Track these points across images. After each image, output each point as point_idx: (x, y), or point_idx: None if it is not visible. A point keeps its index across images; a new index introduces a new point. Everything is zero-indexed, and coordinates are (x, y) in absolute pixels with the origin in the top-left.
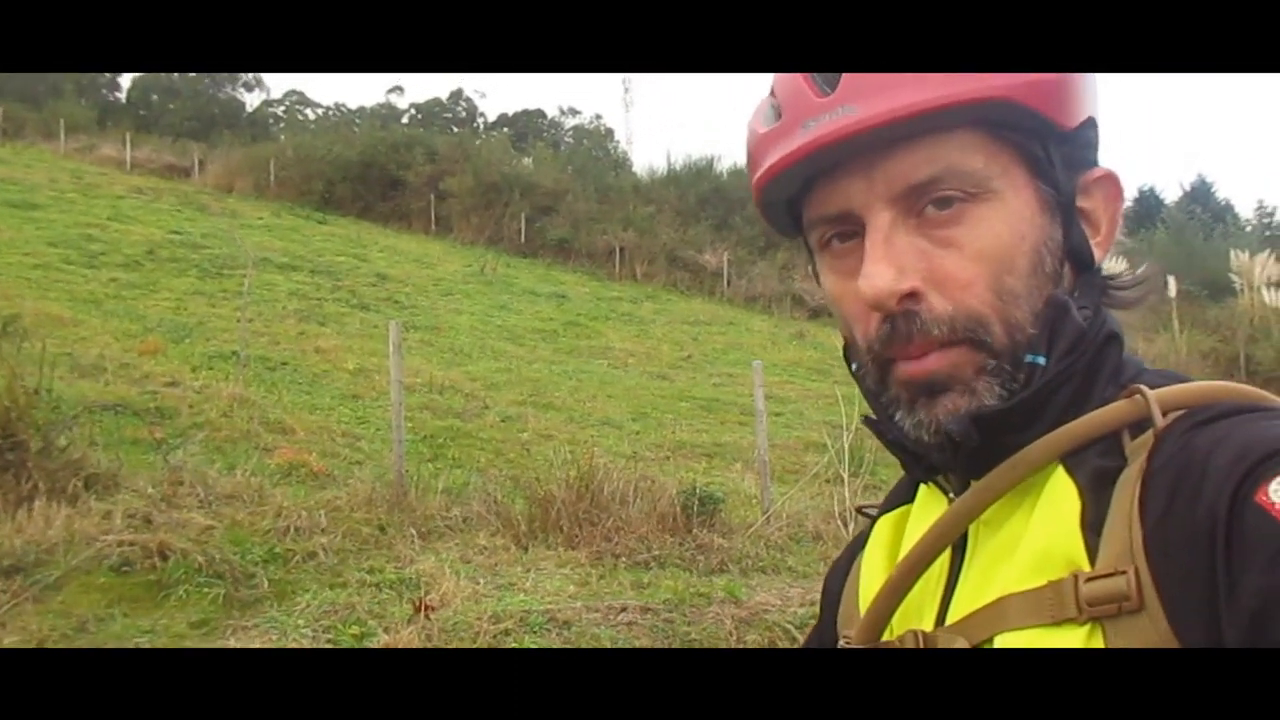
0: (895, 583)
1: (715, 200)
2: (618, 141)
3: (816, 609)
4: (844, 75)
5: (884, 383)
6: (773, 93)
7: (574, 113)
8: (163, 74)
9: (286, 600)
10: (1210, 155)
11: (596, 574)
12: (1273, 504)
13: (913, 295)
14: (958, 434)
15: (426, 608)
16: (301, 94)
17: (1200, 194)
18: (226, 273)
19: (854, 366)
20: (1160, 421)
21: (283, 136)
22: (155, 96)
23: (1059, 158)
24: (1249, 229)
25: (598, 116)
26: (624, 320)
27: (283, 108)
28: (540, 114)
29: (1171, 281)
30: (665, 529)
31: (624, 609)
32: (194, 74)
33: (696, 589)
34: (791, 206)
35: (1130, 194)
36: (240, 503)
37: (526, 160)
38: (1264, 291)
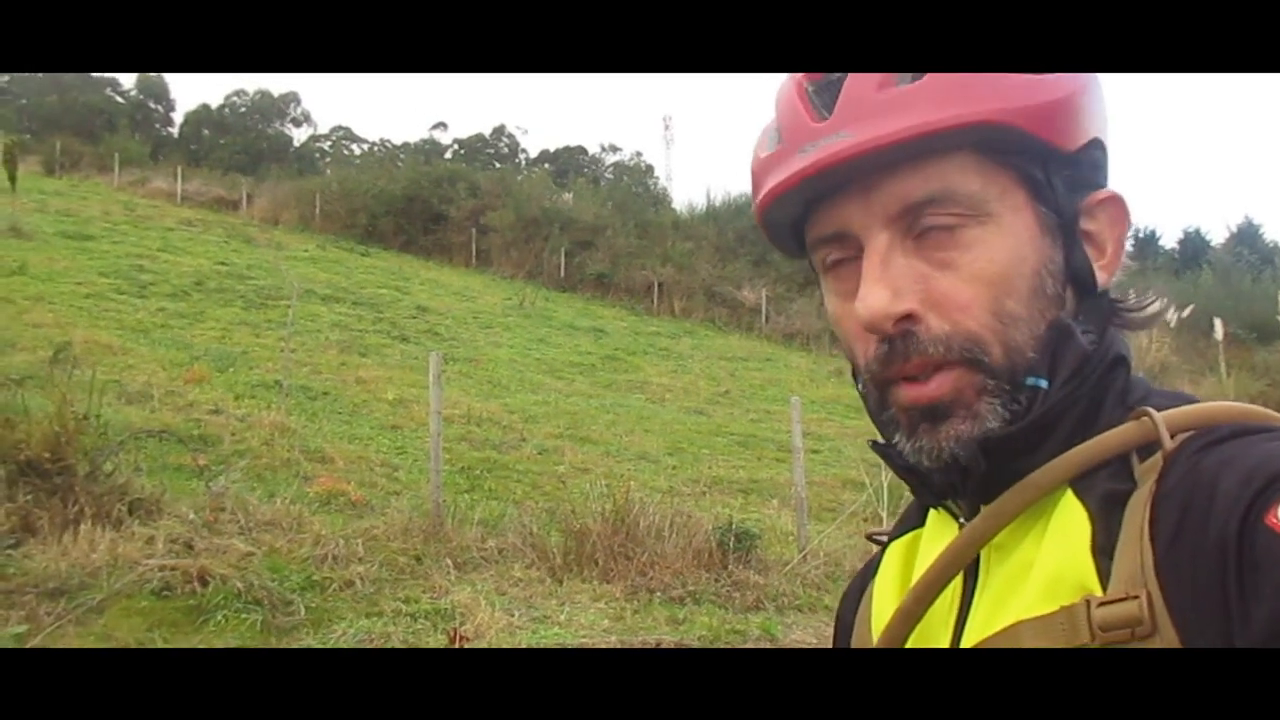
0: (908, 609)
1: (754, 237)
2: (657, 178)
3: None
4: (840, 98)
5: (884, 404)
6: (775, 117)
7: (614, 149)
8: (214, 110)
9: (323, 628)
10: (1258, 196)
11: (631, 609)
12: None
13: (910, 317)
14: (965, 459)
15: (461, 639)
16: (348, 129)
17: (1247, 236)
18: (271, 303)
19: (859, 386)
20: (1168, 443)
21: (328, 171)
22: (206, 131)
23: (1060, 180)
24: None
25: (638, 153)
26: (661, 355)
27: (329, 142)
28: (581, 150)
29: (1218, 325)
30: (701, 565)
31: (659, 644)
32: (244, 109)
33: (732, 626)
34: (795, 228)
35: (1175, 235)
36: (279, 530)
37: (567, 195)
38: None
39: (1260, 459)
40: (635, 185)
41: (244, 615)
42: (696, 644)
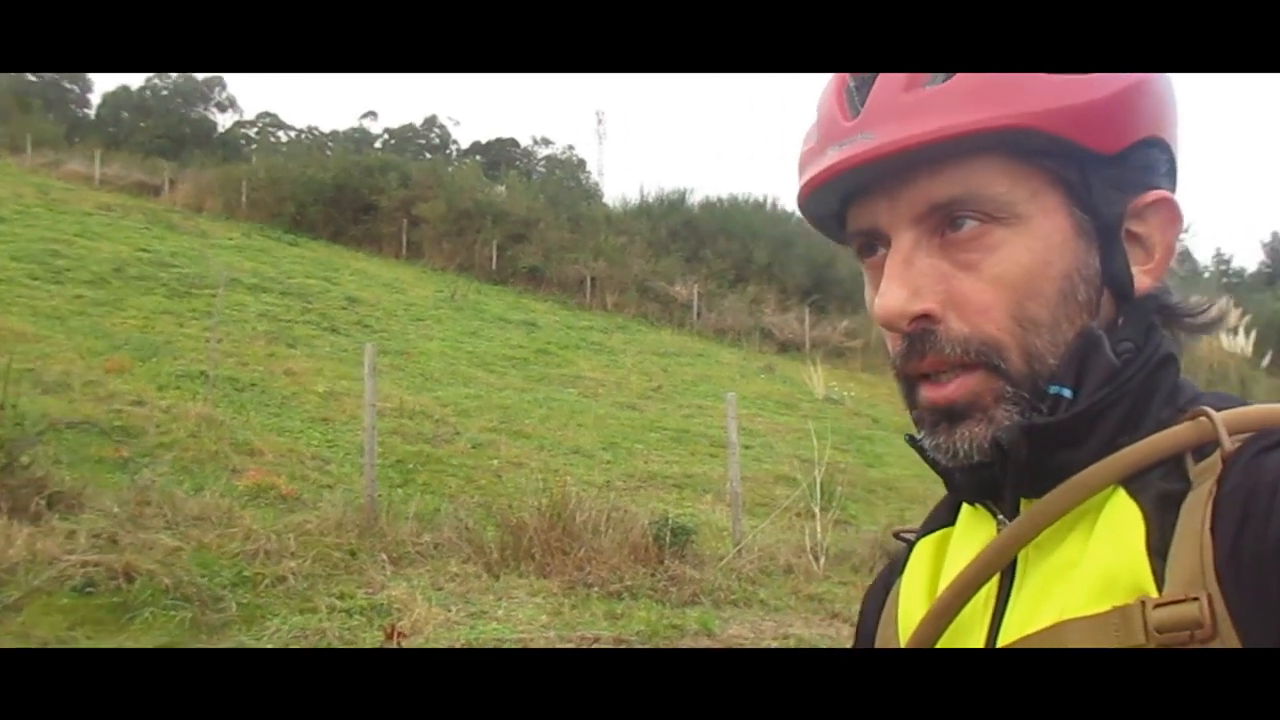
0: (944, 606)
1: (686, 233)
2: (589, 172)
3: (789, 644)
4: (870, 98)
5: (912, 400)
6: (817, 111)
7: (547, 142)
8: (134, 91)
9: (255, 625)
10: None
11: (569, 603)
12: None
13: (928, 317)
14: (1007, 444)
15: (398, 634)
16: (275, 115)
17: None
18: (195, 292)
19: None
20: (1228, 444)
21: (254, 158)
22: (125, 114)
23: (1100, 181)
24: None
25: (570, 147)
26: (594, 349)
27: (255, 129)
28: (513, 142)
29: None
30: (637, 559)
31: (597, 640)
32: (165, 92)
33: (670, 621)
34: (838, 219)
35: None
36: (208, 524)
37: (499, 188)
38: None
39: None
40: (568, 179)
41: (172, 612)
42: (635, 640)
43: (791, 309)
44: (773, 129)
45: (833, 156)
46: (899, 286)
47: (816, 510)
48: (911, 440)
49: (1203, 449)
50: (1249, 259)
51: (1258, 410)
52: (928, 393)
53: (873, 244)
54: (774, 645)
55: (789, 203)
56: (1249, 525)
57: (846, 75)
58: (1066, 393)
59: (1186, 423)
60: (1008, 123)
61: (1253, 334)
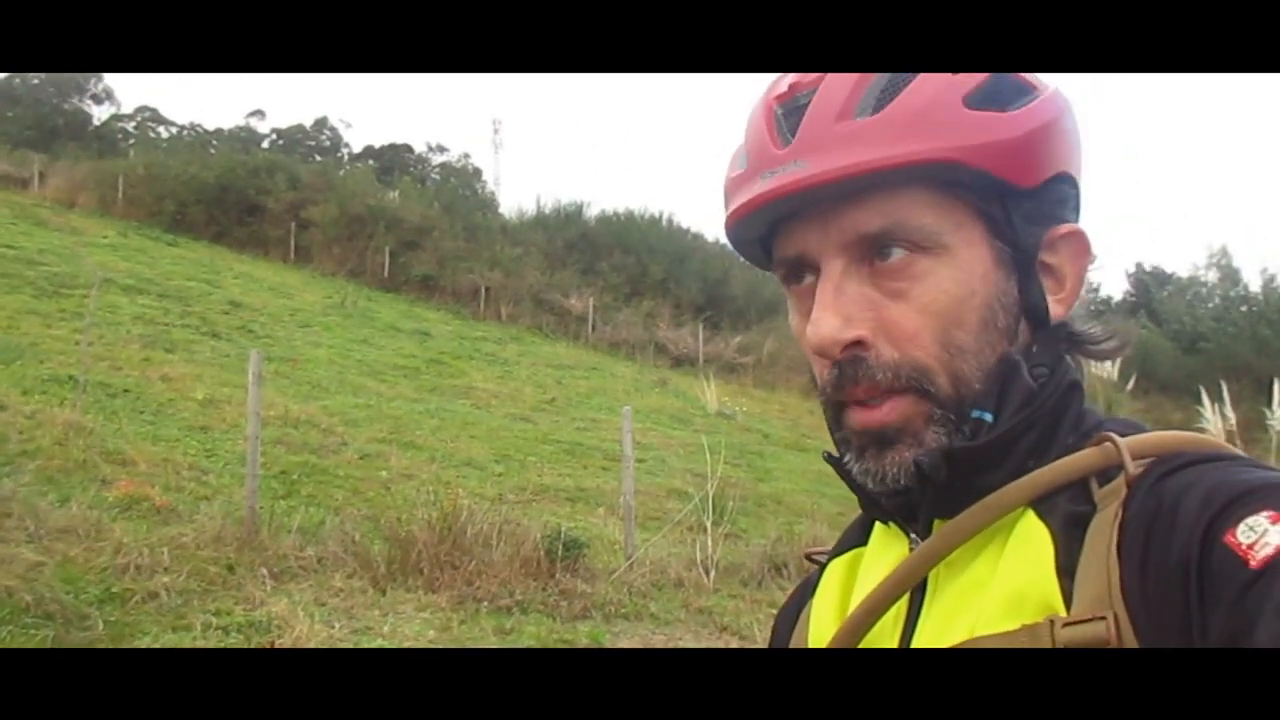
0: (854, 623)
1: (582, 245)
2: (485, 181)
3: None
4: (803, 128)
5: (839, 424)
6: (745, 137)
7: (441, 149)
8: (2, 80)
9: (124, 644)
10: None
11: (458, 619)
12: (1240, 544)
13: (859, 344)
14: (927, 468)
15: None
16: (154, 110)
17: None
18: (65, 292)
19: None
20: (1132, 469)
21: (132, 153)
22: None
23: (1019, 215)
24: None
25: (466, 155)
26: (488, 360)
27: (133, 123)
28: (407, 148)
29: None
30: (529, 573)
31: None
32: (36, 81)
33: (560, 635)
34: (763, 244)
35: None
36: (74, 538)
37: (392, 194)
38: None
39: (1218, 483)
40: (463, 187)
41: (33, 630)
42: None
43: (686, 324)
44: (673, 146)
45: (764, 184)
46: (832, 315)
47: (708, 524)
48: (830, 459)
49: (1106, 473)
50: (1115, 287)
51: (1158, 437)
52: (858, 416)
53: (799, 271)
54: None
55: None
56: (1152, 547)
57: (772, 98)
58: (988, 416)
59: (1092, 448)
60: (935, 156)
61: (1118, 359)
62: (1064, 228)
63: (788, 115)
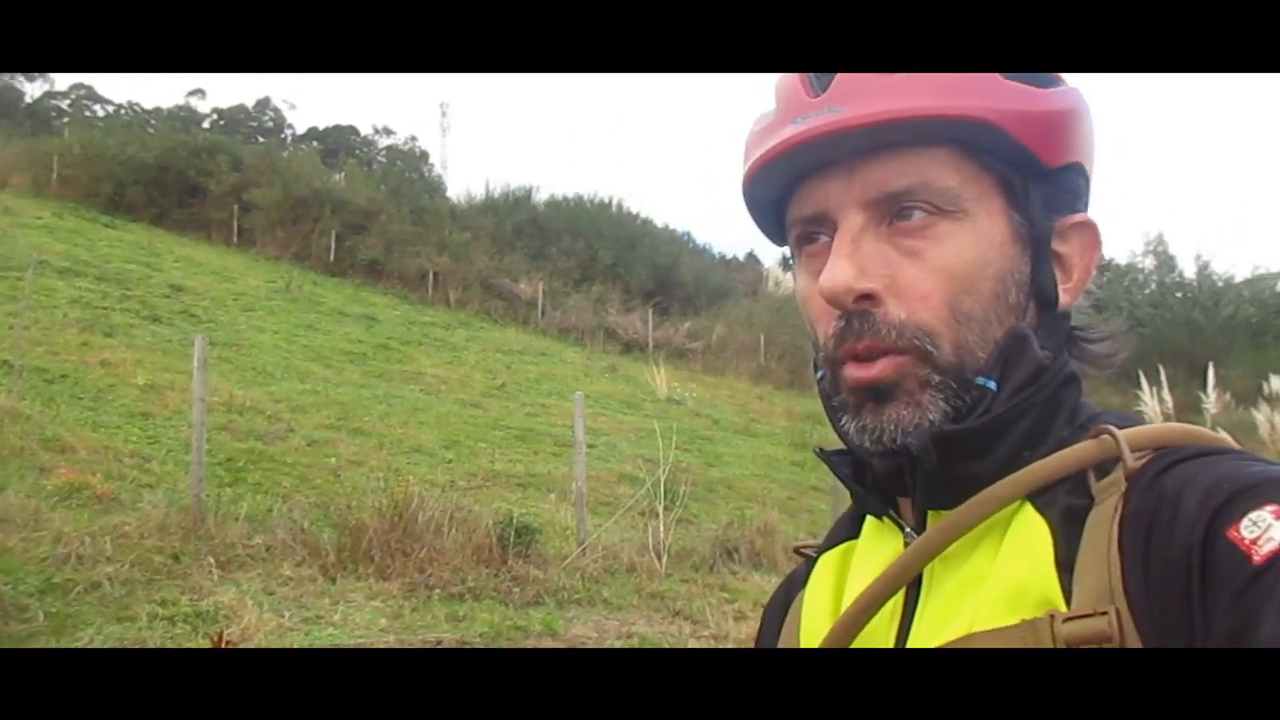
0: (850, 619)
1: (532, 230)
2: (433, 165)
3: (633, 643)
4: (837, 77)
5: (836, 386)
6: (775, 91)
7: (388, 132)
8: None
9: (65, 636)
10: None
11: (410, 606)
12: (1243, 539)
13: (870, 297)
14: (916, 450)
15: (226, 642)
16: (90, 88)
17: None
18: None
19: (818, 374)
20: (1131, 462)
21: (67, 131)
22: None
23: (1038, 194)
24: None
25: (413, 138)
26: (436, 346)
27: (68, 101)
28: (352, 130)
29: None
30: (481, 560)
31: (439, 643)
32: None
33: (513, 622)
34: (777, 209)
35: None
36: (12, 527)
37: (337, 177)
38: None
39: (1220, 477)
40: (410, 171)
41: None
42: (478, 641)
43: (635, 310)
44: (623, 131)
45: (794, 129)
46: (847, 264)
47: (660, 509)
48: (821, 453)
49: (1104, 466)
50: None
51: (1156, 429)
52: (854, 372)
53: (813, 232)
54: (618, 644)
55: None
56: (1154, 543)
57: None
58: (992, 385)
59: (1090, 440)
60: (972, 114)
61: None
62: (1076, 217)
63: (819, 76)
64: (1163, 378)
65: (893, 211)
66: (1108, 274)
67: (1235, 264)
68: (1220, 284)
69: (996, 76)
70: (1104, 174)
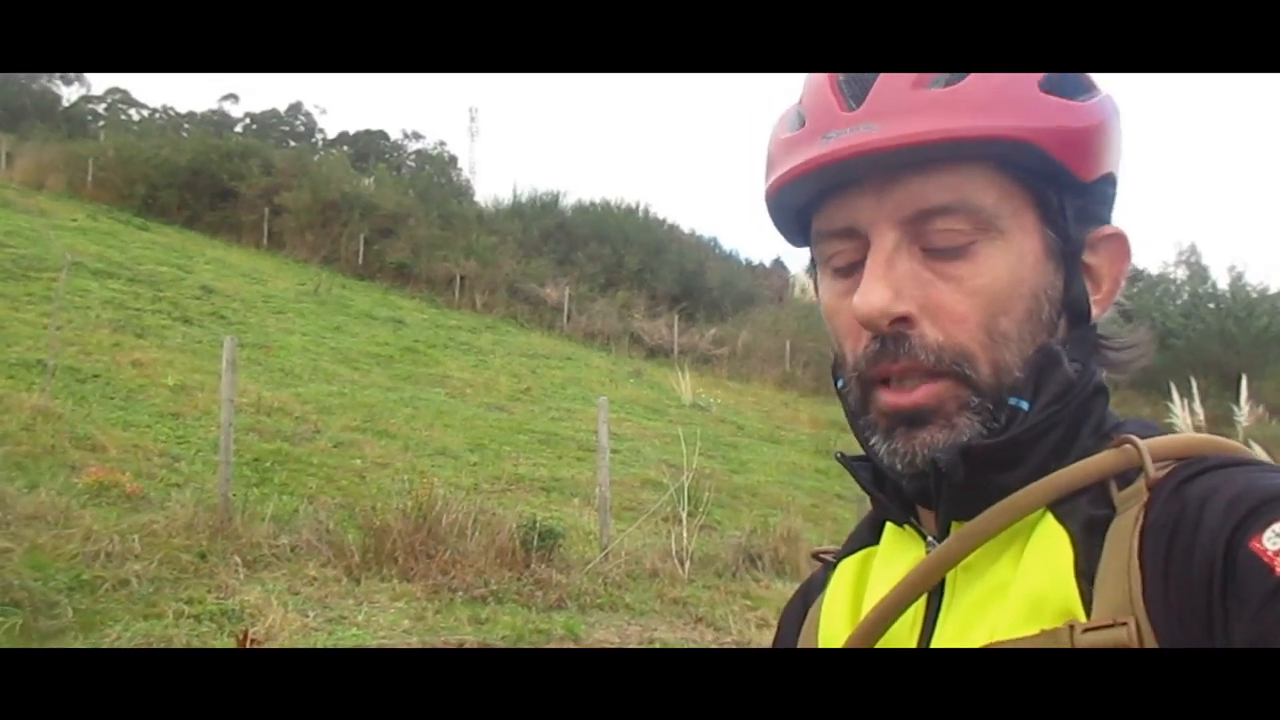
0: (871, 625)
1: (559, 235)
2: (461, 169)
3: (655, 648)
4: (872, 91)
5: (865, 405)
6: (800, 100)
7: (417, 136)
8: None
9: (94, 632)
10: None
11: (433, 608)
12: (1265, 550)
13: (905, 320)
14: (944, 465)
15: (251, 641)
16: (125, 92)
17: None
18: (33, 275)
19: (839, 384)
20: (1153, 472)
21: (103, 135)
22: None
23: (1072, 209)
24: None
25: (441, 143)
26: (462, 349)
27: (104, 105)
28: (382, 135)
29: None
30: (504, 563)
31: (462, 644)
32: None
33: (535, 625)
34: (801, 215)
35: None
36: (43, 524)
37: (367, 180)
38: None
39: (1243, 488)
40: (438, 175)
41: (0, 618)
42: (500, 644)
43: (661, 315)
44: (650, 137)
45: (827, 145)
46: (883, 286)
47: (683, 515)
48: (843, 458)
49: (1126, 476)
50: None
51: (1179, 439)
52: (890, 398)
53: (841, 246)
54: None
55: (661, 209)
56: (1175, 553)
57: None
58: (1024, 405)
59: (1112, 450)
60: (1012, 134)
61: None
62: (1107, 229)
63: (849, 83)
64: (1194, 389)
65: (927, 229)
66: (1138, 284)
67: (1270, 274)
68: (1254, 295)
69: (1033, 88)
70: (1138, 183)
